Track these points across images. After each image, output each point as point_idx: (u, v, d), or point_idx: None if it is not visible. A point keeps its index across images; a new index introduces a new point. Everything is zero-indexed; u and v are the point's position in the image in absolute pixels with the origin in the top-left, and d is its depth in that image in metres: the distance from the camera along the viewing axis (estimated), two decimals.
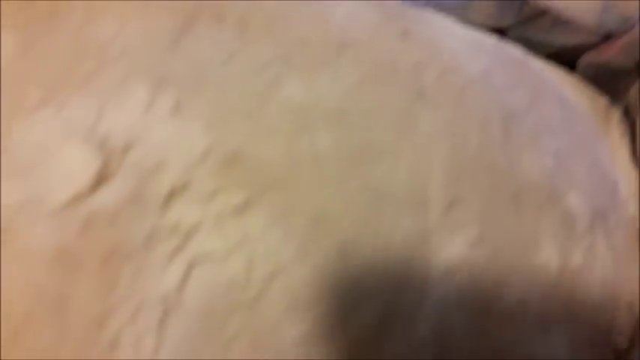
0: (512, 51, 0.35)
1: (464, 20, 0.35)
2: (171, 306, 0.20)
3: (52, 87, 0.23)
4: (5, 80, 0.23)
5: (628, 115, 0.34)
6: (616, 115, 0.35)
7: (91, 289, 0.20)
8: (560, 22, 0.35)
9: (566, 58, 0.36)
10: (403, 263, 0.23)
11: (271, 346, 0.21)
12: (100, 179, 0.21)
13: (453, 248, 0.25)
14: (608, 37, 0.35)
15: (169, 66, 0.25)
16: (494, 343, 0.24)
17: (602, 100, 0.36)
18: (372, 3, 0.32)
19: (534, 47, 0.36)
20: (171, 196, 0.21)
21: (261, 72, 0.26)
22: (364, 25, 0.30)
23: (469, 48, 0.32)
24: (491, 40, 0.34)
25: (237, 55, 0.26)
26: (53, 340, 0.19)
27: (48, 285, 0.20)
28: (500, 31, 0.36)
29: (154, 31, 0.26)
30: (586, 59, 0.36)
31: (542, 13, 0.35)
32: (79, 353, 0.19)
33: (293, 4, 0.29)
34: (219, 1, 0.28)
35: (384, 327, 0.22)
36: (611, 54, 0.35)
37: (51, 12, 0.25)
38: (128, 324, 0.20)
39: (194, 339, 0.20)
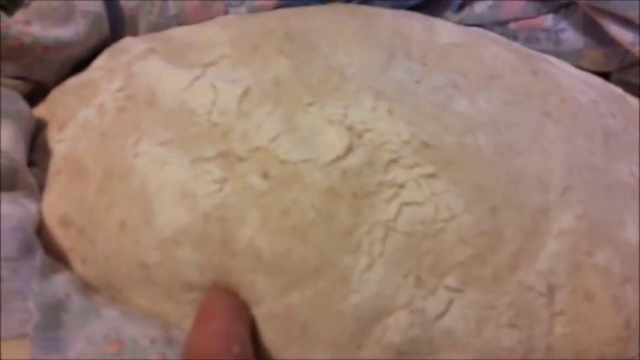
0: (614, 89, 0.46)
1: (576, 65, 0.47)
2: (389, 228, 0.33)
3: (316, 93, 0.38)
4: (285, 88, 0.38)
5: None
6: None
7: (346, 211, 0.34)
8: None
9: None
10: (531, 223, 0.35)
11: (447, 262, 0.34)
12: (349, 149, 0.35)
13: (565, 219, 0.36)
14: None
15: (382, 84, 0.38)
16: (585, 283, 0.35)
17: None
18: (511, 48, 0.44)
19: (631, 88, 0.47)
20: (390, 163, 0.35)
21: (439, 92, 0.39)
22: (506, 63, 0.42)
23: (581, 84, 0.44)
24: (598, 80, 0.46)
25: (423, 80, 0.40)
26: (323, 239, 0.33)
27: (321, 206, 0.34)
28: (605, 75, 0.48)
29: (370, 62, 0.40)
30: None
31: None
32: (339, 249, 0.33)
33: (454, 48, 0.42)
34: (405, 42, 0.42)
35: (516, 260, 0.34)
36: None
37: (308, 46, 0.40)
38: (366, 234, 0.33)
39: (400, 251, 0.33)
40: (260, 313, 0.33)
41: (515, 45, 0.45)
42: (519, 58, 0.43)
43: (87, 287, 0.36)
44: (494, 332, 0.33)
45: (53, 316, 0.31)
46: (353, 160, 0.35)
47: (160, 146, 0.36)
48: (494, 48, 0.43)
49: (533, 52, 0.46)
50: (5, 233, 0.33)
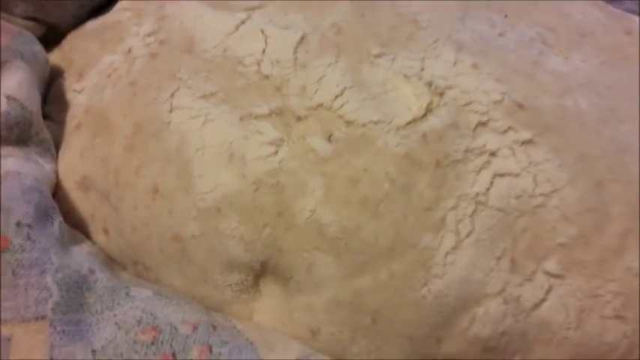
0: None
1: None
2: (480, 203, 0.28)
3: (385, 43, 0.32)
4: (348, 36, 0.32)
5: None
6: None
7: (427, 182, 0.28)
8: None
9: None
10: None
11: (546, 244, 0.28)
12: (428, 110, 0.29)
13: None
14: None
15: (462, 35, 0.33)
16: None
17: None
18: (598, 4, 0.39)
19: None
20: (478, 127, 0.29)
21: (528, 47, 0.33)
22: (597, 20, 0.37)
23: None
24: None
25: (506, 34, 0.34)
26: (400, 214, 0.28)
27: (397, 175, 0.28)
28: None
29: (444, 12, 0.34)
30: None
31: None
32: (417, 227, 0.28)
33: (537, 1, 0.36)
34: None
35: (624, 242, 0.29)
36: None
37: None
38: (452, 209, 0.28)
39: (493, 229, 0.28)
40: (321, 300, 0.28)
41: (601, 2, 0.40)
42: (609, 17, 0.37)
43: (111, 263, 0.30)
44: (597, 324, 0.28)
45: (76, 296, 0.26)
46: (434, 122, 0.29)
47: (201, 99, 0.31)
48: (580, 4, 0.37)
49: (619, 11, 0.40)
50: (18, 194, 0.28)
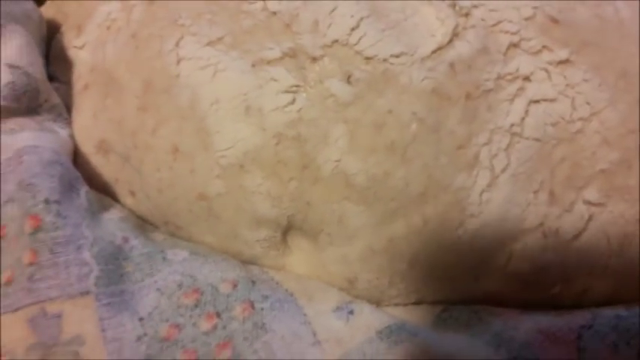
0: None
1: None
2: (515, 134, 0.26)
3: None
4: None
5: None
6: None
7: (458, 117, 0.26)
8: None
9: None
10: None
11: (586, 172, 0.27)
12: (455, 34, 0.27)
13: None
14: None
15: None
16: None
17: None
18: None
19: None
20: (510, 49, 0.27)
21: None
22: None
23: None
24: None
25: None
26: (430, 156, 0.26)
27: (425, 114, 0.26)
28: None
29: None
30: None
31: None
32: (449, 167, 0.26)
33: None
34: None
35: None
36: None
37: None
38: (486, 144, 0.26)
39: (530, 161, 0.26)
40: (355, 250, 0.27)
41: None
42: None
43: (143, 225, 0.31)
44: None
45: (115, 267, 0.26)
46: (461, 48, 0.27)
47: (208, 47, 0.29)
48: None
49: None
50: (40, 169, 0.27)
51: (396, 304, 0.28)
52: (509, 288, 0.27)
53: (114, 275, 0.26)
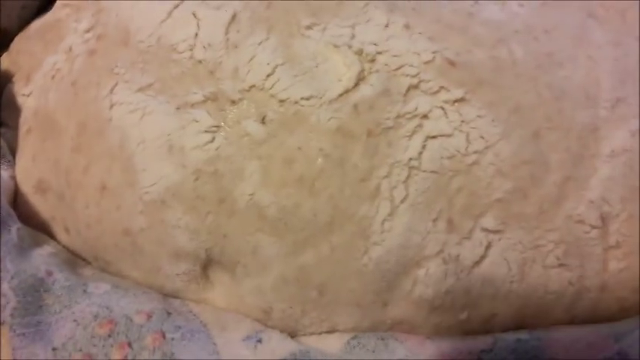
0: None
1: None
2: (413, 167, 0.28)
3: (316, 13, 0.31)
4: (278, 9, 0.32)
5: None
6: None
7: (360, 153, 0.28)
8: None
9: None
10: (579, 145, 0.30)
11: (482, 201, 0.28)
12: (360, 78, 0.29)
13: (617, 137, 0.30)
14: None
15: None
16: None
17: None
18: None
19: None
20: (410, 90, 0.29)
21: None
22: None
23: None
24: None
25: None
26: (335, 188, 0.28)
27: (331, 150, 0.28)
28: None
29: None
30: None
31: None
32: (353, 198, 0.28)
33: None
34: None
35: (563, 190, 0.29)
36: None
37: None
38: (386, 177, 0.28)
39: (428, 192, 0.28)
40: (268, 280, 0.29)
41: None
42: None
43: (74, 260, 0.32)
44: (540, 275, 0.29)
45: (34, 299, 0.28)
46: (365, 91, 0.29)
47: (138, 92, 0.31)
48: None
49: None
50: None
51: (311, 333, 0.29)
52: (417, 313, 0.28)
53: (32, 307, 0.27)
